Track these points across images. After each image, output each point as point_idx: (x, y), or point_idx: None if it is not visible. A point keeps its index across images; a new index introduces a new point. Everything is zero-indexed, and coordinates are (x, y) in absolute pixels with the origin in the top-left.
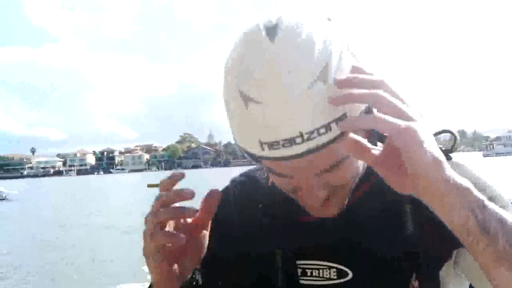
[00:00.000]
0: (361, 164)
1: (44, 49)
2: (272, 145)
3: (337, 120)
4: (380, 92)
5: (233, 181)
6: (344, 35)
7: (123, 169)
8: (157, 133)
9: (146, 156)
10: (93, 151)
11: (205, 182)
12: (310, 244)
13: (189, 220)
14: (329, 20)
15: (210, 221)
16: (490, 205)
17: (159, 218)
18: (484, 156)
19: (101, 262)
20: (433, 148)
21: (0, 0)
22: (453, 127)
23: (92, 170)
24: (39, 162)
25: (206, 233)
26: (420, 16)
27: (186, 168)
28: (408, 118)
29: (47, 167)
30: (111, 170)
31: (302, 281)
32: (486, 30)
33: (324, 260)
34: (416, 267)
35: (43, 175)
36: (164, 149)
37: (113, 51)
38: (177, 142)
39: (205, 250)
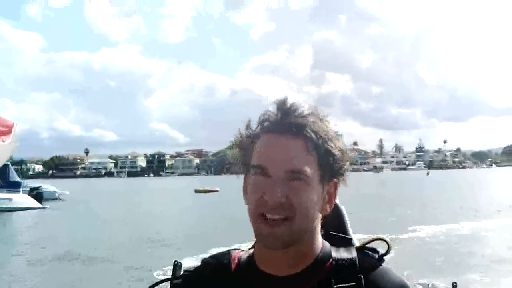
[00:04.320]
0: (315, 207)
1: (102, 54)
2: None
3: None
4: None
5: (203, 261)
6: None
7: (173, 173)
8: (208, 138)
9: (196, 161)
10: (144, 154)
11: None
12: None
13: None
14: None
15: None
16: None
17: None
18: None
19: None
20: None
21: (60, 6)
22: None
23: (143, 172)
24: (92, 163)
25: None
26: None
27: (234, 173)
28: None
29: (99, 168)
30: (161, 173)
31: None
32: None
33: None
34: None
35: (95, 176)
36: (214, 154)
37: (168, 57)
38: (227, 148)
39: None
